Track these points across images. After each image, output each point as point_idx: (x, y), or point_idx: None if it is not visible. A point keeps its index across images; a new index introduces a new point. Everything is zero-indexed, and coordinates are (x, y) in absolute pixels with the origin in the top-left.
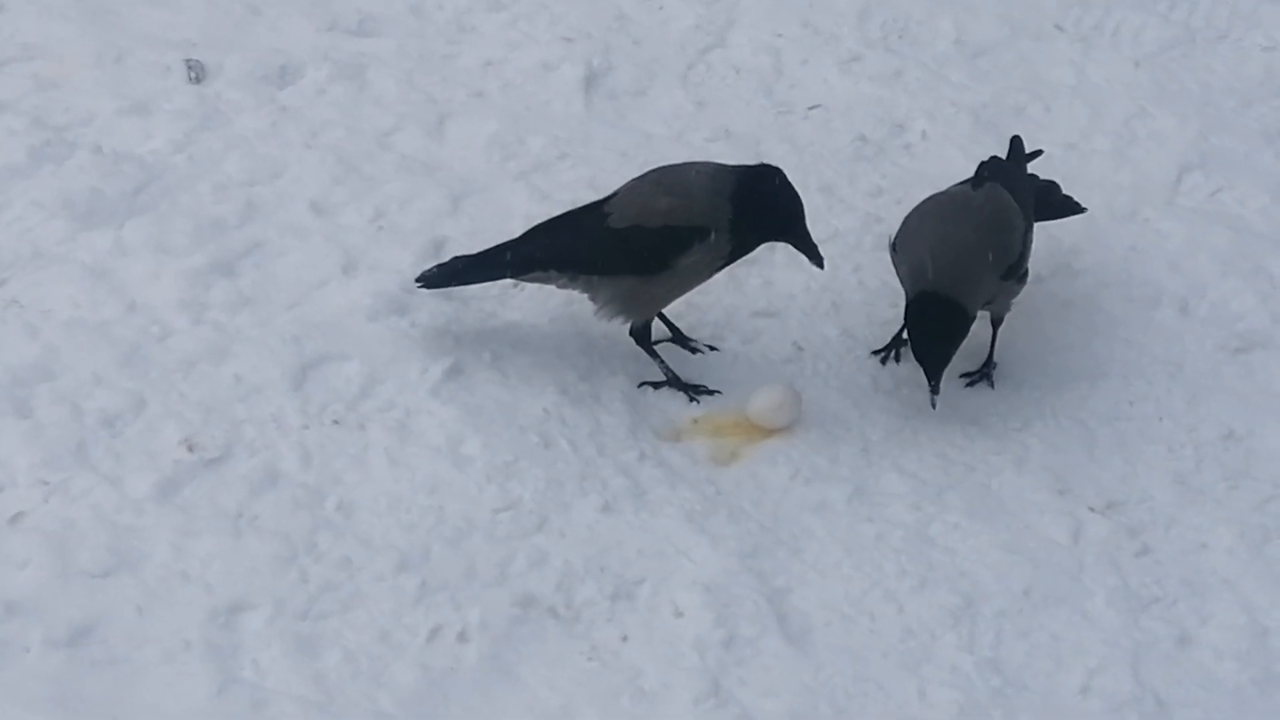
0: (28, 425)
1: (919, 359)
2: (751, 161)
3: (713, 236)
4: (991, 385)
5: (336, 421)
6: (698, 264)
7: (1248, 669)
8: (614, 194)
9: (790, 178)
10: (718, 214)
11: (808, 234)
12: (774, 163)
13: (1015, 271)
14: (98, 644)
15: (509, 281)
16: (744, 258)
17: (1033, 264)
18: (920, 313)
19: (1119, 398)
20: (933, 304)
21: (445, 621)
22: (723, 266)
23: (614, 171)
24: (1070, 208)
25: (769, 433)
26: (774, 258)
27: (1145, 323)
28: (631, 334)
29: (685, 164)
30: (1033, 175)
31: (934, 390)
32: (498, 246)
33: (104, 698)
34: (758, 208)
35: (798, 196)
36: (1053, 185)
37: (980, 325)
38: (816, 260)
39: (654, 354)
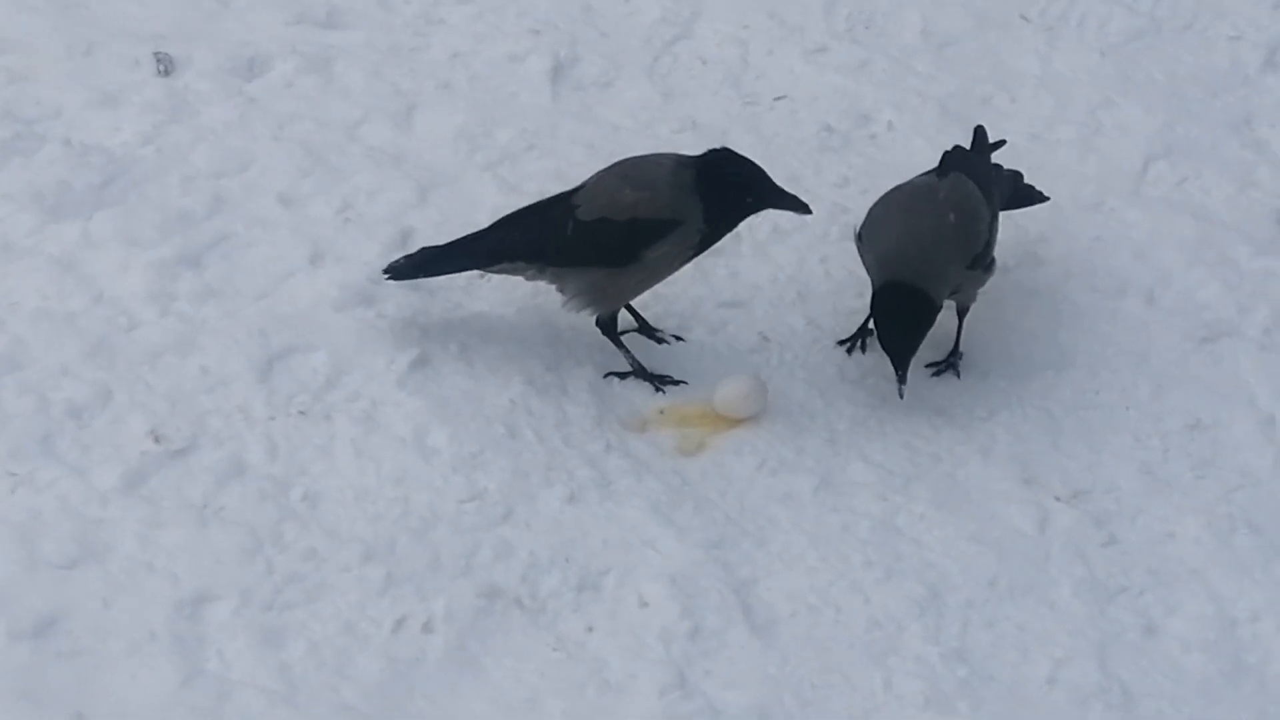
0: None
1: (885, 349)
2: None
3: (681, 228)
4: (958, 375)
5: (303, 412)
6: (667, 255)
7: (1215, 660)
8: (581, 186)
9: None
10: (684, 205)
11: (781, 190)
12: (739, 152)
13: (981, 261)
14: (63, 635)
15: (476, 273)
16: (710, 248)
17: (998, 253)
18: (887, 302)
19: (1085, 387)
20: (899, 293)
21: (410, 612)
22: (693, 257)
23: (581, 163)
24: (1034, 197)
25: (735, 423)
26: (740, 248)
27: (1111, 312)
28: (598, 324)
29: (649, 156)
30: (996, 165)
31: (901, 380)
32: (465, 237)
33: (69, 689)
34: (727, 190)
35: (755, 164)
36: (1016, 175)
37: (946, 315)
38: (802, 208)
39: (620, 344)
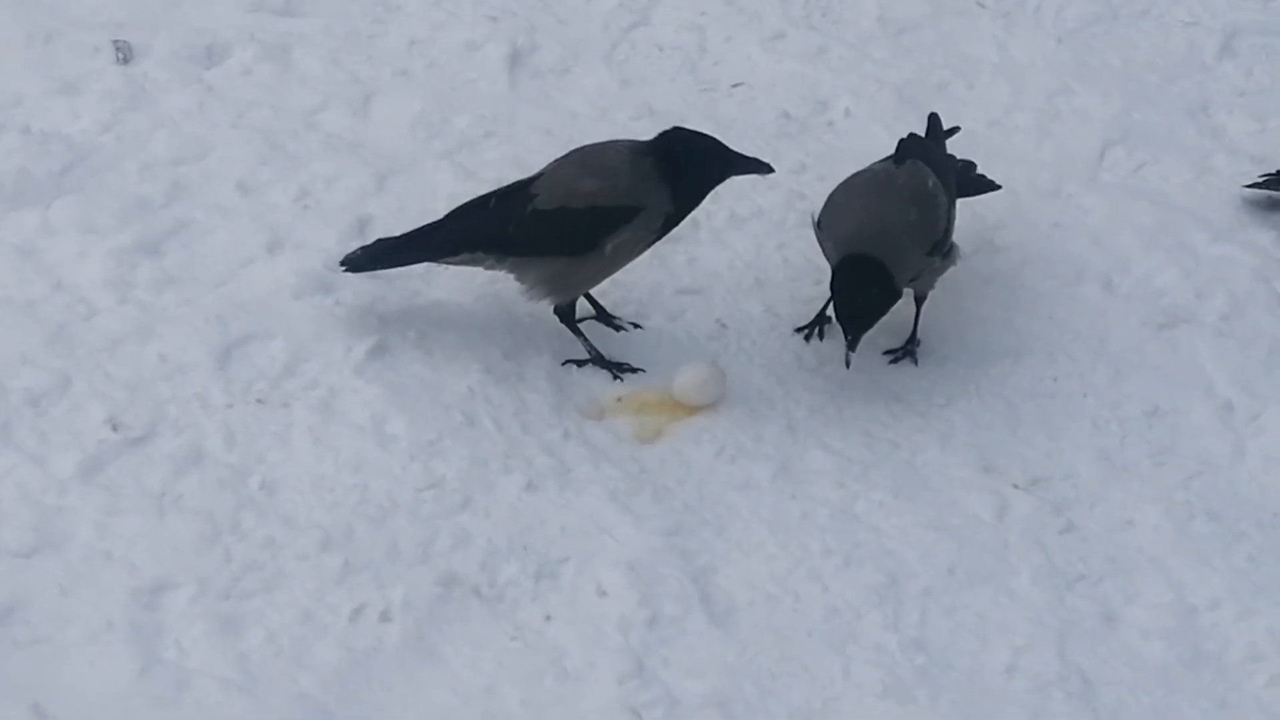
0: None
1: (840, 316)
2: None
3: (642, 214)
4: (915, 362)
5: (261, 400)
6: (628, 242)
7: (1174, 647)
8: (539, 175)
9: None
10: (644, 191)
11: (741, 156)
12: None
13: (940, 248)
14: (20, 624)
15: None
16: (668, 235)
17: (956, 241)
18: (846, 272)
19: (1043, 374)
20: (859, 264)
21: (368, 601)
22: (654, 242)
23: (538, 150)
24: (985, 185)
25: (693, 410)
26: (698, 235)
27: (1069, 299)
28: (556, 312)
29: (605, 143)
30: (950, 154)
31: (851, 347)
32: (423, 228)
33: (26, 678)
34: (689, 167)
35: (710, 136)
36: (969, 164)
37: (904, 303)
38: (764, 168)
39: (578, 332)
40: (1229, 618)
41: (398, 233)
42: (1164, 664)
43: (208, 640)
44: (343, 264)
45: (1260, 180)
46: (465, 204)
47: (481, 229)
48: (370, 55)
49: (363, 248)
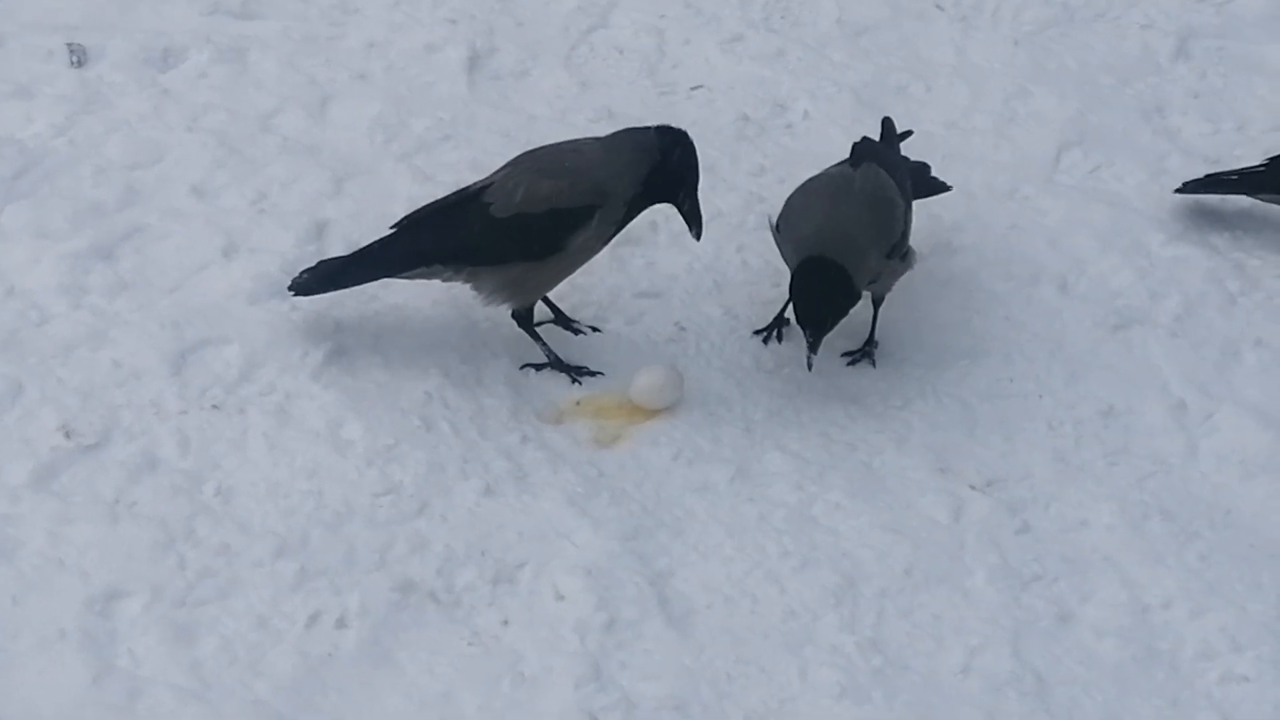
0: None
1: (800, 318)
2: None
3: (601, 210)
4: (873, 364)
5: (216, 406)
6: (589, 241)
7: (1128, 646)
8: (489, 183)
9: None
10: (604, 182)
11: (698, 203)
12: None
13: (898, 250)
14: None
15: None
16: (629, 241)
17: (913, 243)
18: (806, 274)
19: (999, 375)
20: (819, 266)
21: (324, 608)
22: (612, 236)
23: (497, 153)
24: (937, 187)
25: (651, 414)
26: (657, 238)
27: (1025, 300)
28: (514, 316)
29: (554, 145)
30: (904, 157)
31: (812, 349)
32: (372, 245)
33: None
34: (672, 174)
35: (697, 164)
36: (923, 166)
37: (862, 305)
38: (697, 233)
39: (536, 336)
40: (1182, 616)
41: (355, 236)
42: (1118, 662)
43: (161, 648)
44: (291, 289)
45: (1186, 185)
46: (413, 216)
47: (435, 242)
48: (328, 58)
49: (308, 270)
